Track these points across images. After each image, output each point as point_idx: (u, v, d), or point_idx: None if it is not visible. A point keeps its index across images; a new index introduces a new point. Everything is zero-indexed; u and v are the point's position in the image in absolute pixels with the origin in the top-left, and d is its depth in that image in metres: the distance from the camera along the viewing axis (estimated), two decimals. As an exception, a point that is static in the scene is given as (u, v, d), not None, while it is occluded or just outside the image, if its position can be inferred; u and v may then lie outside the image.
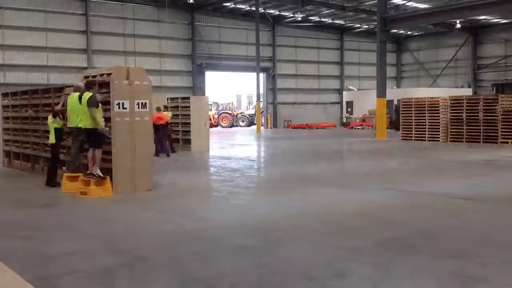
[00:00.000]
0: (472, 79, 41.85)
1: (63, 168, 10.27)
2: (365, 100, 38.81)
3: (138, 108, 9.31)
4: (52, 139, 10.08)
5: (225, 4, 35.02)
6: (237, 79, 42.07)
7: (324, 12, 37.76)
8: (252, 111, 44.09)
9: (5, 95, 14.54)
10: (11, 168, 13.74)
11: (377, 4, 25.88)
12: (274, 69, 40.14)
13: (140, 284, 4.54)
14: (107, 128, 9.06)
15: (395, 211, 7.55)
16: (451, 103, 22.08)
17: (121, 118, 9.15)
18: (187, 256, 5.38)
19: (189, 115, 18.86)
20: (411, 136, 22.96)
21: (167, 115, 16.99)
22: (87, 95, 8.99)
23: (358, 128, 36.60)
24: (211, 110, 38.49)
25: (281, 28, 40.32)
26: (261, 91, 37.62)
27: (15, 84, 27.42)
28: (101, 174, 8.92)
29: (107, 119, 9.39)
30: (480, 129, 20.87)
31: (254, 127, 39.35)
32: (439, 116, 22.09)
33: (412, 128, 23.06)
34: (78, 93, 9.32)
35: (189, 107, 18.90)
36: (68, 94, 10.11)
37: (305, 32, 41.34)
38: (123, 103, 9.14)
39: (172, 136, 17.87)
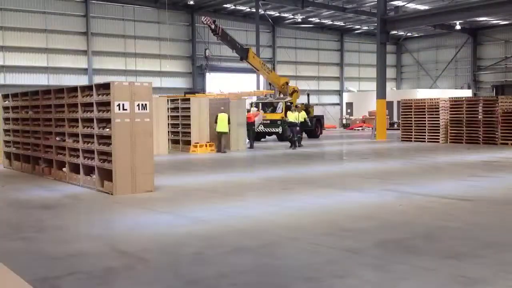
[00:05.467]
0: (472, 80, 41.88)
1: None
2: (365, 101, 38.86)
3: (139, 109, 9.33)
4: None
5: (225, 5, 35.06)
6: (237, 80, 41.99)
7: (324, 14, 37.80)
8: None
9: (6, 96, 14.56)
10: (12, 169, 13.77)
11: (377, 5, 25.92)
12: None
13: (141, 285, 4.55)
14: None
15: (395, 212, 7.56)
16: (451, 105, 22.10)
17: (121, 119, 9.17)
18: (187, 257, 5.39)
19: (189, 116, 18.90)
20: (411, 138, 22.98)
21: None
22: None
23: (358, 130, 36.62)
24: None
25: (281, 30, 40.36)
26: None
27: (16, 85, 27.46)
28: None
29: (107, 120, 9.43)
30: (479, 131, 20.89)
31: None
32: (439, 118, 22.11)
33: (412, 129, 23.08)
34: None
35: (189, 108, 18.93)
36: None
37: (305, 34, 41.39)
38: (123, 104, 9.17)
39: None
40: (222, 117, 18.28)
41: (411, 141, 22.80)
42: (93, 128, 9.89)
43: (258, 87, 35.76)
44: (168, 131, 19.09)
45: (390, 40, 27.42)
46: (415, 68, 46.01)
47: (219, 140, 18.35)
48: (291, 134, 19.68)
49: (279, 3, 34.49)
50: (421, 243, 5.79)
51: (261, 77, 37.32)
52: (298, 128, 19.91)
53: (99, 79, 29.98)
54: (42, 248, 5.75)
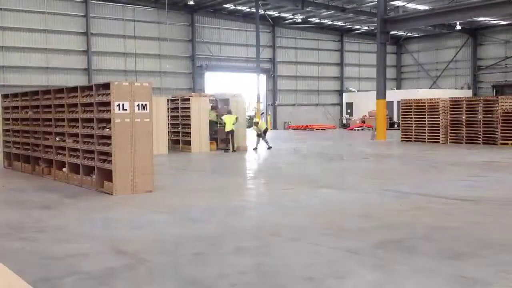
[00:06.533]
0: (472, 80, 41.88)
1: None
2: (365, 102, 38.87)
3: (138, 109, 9.33)
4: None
5: (225, 5, 35.06)
6: (237, 80, 42.06)
7: (324, 14, 37.78)
8: (252, 113, 44.07)
9: (6, 96, 14.56)
10: (12, 170, 13.76)
11: (377, 5, 25.91)
12: (274, 70, 40.16)
13: (141, 285, 4.55)
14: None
15: (395, 212, 7.56)
16: (451, 105, 22.09)
17: (121, 119, 9.17)
18: (187, 257, 5.38)
19: (189, 116, 18.89)
20: (411, 138, 22.98)
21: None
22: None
23: (358, 130, 36.60)
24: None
25: (281, 30, 40.35)
26: (261, 93, 37.65)
27: (15, 85, 27.45)
28: None
29: (107, 120, 9.43)
30: (479, 131, 20.89)
31: (254, 128, 39.30)
32: (439, 118, 22.11)
33: (412, 129, 23.08)
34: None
35: (189, 108, 18.92)
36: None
37: (305, 34, 41.39)
38: (123, 104, 9.17)
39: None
40: (226, 118, 18.83)
41: (411, 141, 22.80)
42: (93, 128, 9.89)
43: (258, 88, 35.74)
44: (168, 131, 19.08)
45: (390, 40, 27.40)
46: (415, 68, 46.00)
47: (227, 138, 19.00)
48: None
49: (279, 3, 34.49)
50: (421, 243, 5.78)
51: (261, 78, 37.35)
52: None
53: (99, 79, 29.98)
54: (42, 248, 5.75)
